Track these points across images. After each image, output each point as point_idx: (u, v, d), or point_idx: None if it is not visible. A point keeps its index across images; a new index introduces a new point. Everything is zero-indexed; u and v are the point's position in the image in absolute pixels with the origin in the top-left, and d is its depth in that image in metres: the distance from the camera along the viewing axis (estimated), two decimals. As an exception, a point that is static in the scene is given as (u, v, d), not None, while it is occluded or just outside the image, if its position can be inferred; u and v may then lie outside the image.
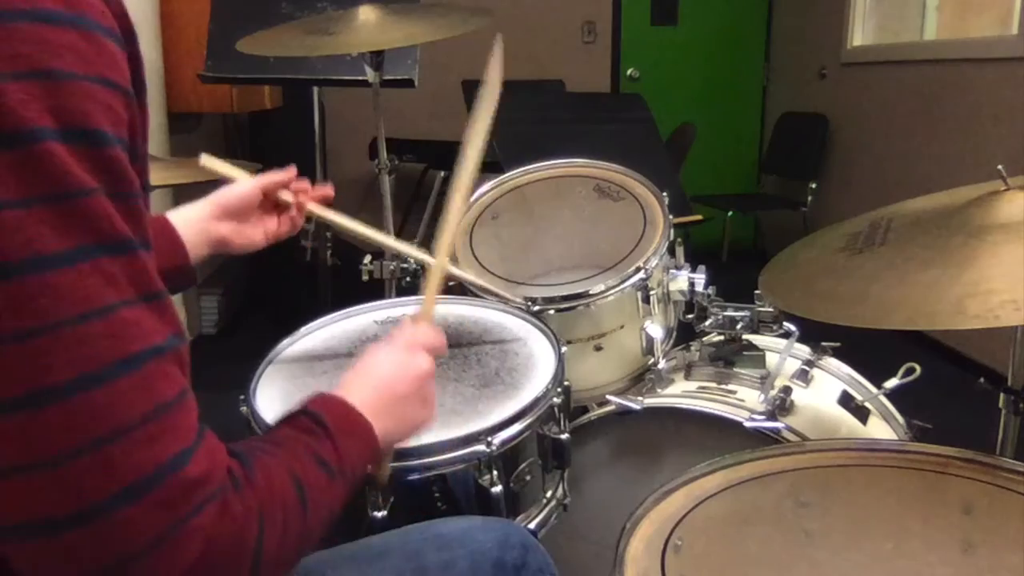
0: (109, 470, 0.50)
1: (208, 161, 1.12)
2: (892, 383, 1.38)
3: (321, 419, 0.69)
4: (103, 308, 0.51)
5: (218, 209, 1.07)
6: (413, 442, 0.94)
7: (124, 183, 0.53)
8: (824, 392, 1.44)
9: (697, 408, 1.29)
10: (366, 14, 1.70)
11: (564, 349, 1.13)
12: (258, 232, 1.10)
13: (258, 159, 2.39)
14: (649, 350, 1.42)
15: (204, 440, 0.55)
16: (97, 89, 0.52)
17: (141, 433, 0.51)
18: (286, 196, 1.11)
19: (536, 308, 1.31)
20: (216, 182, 1.11)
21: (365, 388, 0.76)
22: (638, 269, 1.37)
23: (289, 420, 0.69)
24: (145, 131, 0.59)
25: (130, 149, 0.55)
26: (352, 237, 1.21)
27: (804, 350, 1.53)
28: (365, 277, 1.86)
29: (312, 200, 1.14)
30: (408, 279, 1.87)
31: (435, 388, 0.85)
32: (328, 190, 1.17)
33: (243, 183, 1.09)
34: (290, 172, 1.13)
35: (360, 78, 1.89)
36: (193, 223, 1.04)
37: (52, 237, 0.49)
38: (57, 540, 0.49)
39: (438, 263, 0.98)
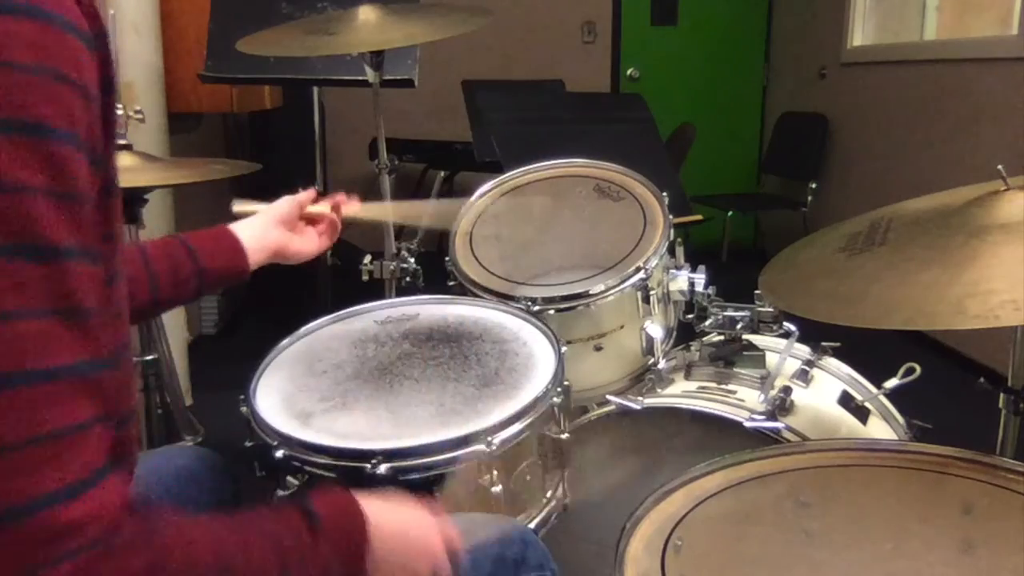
0: None
1: (240, 206, 1.23)
2: (892, 383, 1.37)
3: (315, 522, 0.62)
4: (1, 313, 0.46)
5: (271, 221, 1.16)
6: (413, 442, 0.94)
7: (68, 183, 0.49)
8: (824, 392, 1.44)
9: (697, 408, 1.29)
10: (366, 14, 1.70)
11: (564, 349, 1.13)
12: (308, 242, 1.20)
13: (258, 159, 2.38)
14: (649, 350, 1.42)
15: (98, 486, 0.49)
16: (49, 83, 0.49)
17: (16, 458, 0.46)
18: (320, 208, 1.21)
19: (536, 308, 1.31)
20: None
21: (385, 517, 0.70)
22: (638, 269, 1.37)
23: (277, 508, 0.64)
24: (112, 133, 0.56)
25: (89, 150, 0.52)
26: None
27: (804, 350, 1.53)
28: (365, 277, 1.86)
29: (347, 203, 1.25)
30: (408, 279, 1.88)
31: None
32: (356, 199, 1.28)
33: (282, 200, 1.19)
34: (312, 192, 1.22)
35: (360, 78, 1.89)
36: (253, 232, 1.14)
37: None
38: None
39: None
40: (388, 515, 0.71)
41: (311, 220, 1.21)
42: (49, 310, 0.48)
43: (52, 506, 0.47)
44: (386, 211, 1.25)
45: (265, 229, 1.15)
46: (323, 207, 1.22)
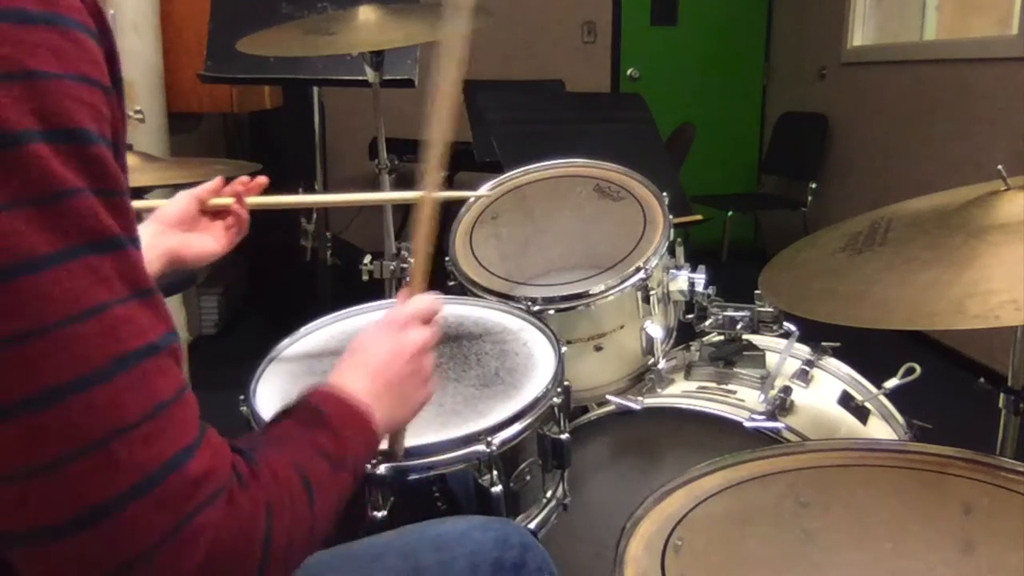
0: (111, 471, 0.49)
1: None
2: (892, 383, 1.38)
3: (320, 412, 0.69)
4: (96, 307, 0.50)
5: (160, 225, 1.08)
6: (413, 442, 0.94)
7: (109, 180, 0.53)
8: (824, 392, 1.44)
9: (697, 408, 1.29)
10: (366, 14, 1.70)
11: (564, 349, 1.13)
12: (208, 240, 1.11)
13: (258, 159, 2.38)
14: (649, 350, 1.42)
15: (206, 437, 0.55)
16: (78, 87, 0.51)
17: (141, 432, 0.50)
18: (222, 200, 1.12)
19: (536, 308, 1.31)
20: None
21: (360, 375, 0.76)
22: (638, 269, 1.37)
23: (289, 414, 0.69)
24: (124, 127, 0.59)
25: (113, 146, 0.55)
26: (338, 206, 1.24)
27: (804, 350, 1.53)
28: (365, 277, 1.86)
29: (249, 193, 1.15)
30: (408, 279, 1.88)
31: (433, 368, 0.84)
32: (262, 179, 1.17)
33: (177, 197, 1.10)
34: (217, 181, 1.13)
35: (360, 78, 1.89)
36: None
37: (40, 239, 0.48)
38: (62, 545, 0.49)
39: (422, 223, 0.93)
40: (360, 369, 0.76)
41: (216, 214, 1.12)
42: (131, 295, 0.52)
43: (182, 465, 0.52)
44: (297, 199, 1.18)
45: (154, 235, 1.06)
46: (226, 199, 1.12)
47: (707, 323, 1.50)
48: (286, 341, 1.22)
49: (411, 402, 0.81)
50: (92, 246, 0.50)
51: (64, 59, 0.51)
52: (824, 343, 1.54)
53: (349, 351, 0.80)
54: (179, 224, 1.09)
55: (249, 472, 0.57)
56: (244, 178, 1.13)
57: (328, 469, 0.65)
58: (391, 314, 0.84)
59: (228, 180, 1.13)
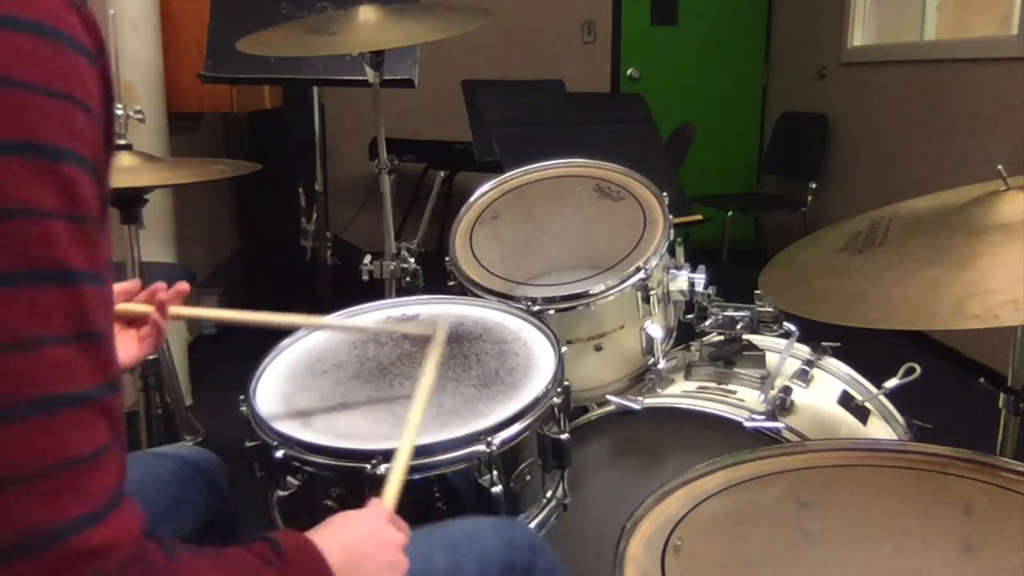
0: (1, 519, 0.45)
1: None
2: (892, 383, 1.38)
3: (279, 549, 0.63)
4: (26, 341, 0.46)
5: None
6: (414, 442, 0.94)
7: (81, 205, 0.49)
8: (824, 392, 1.44)
9: (697, 408, 1.29)
10: (366, 14, 1.70)
11: (564, 349, 1.13)
12: (122, 351, 0.95)
13: (258, 159, 2.38)
14: (649, 350, 1.42)
15: (118, 509, 0.50)
16: (59, 104, 0.48)
17: (42, 486, 0.46)
18: (139, 307, 0.98)
19: (536, 308, 1.31)
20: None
21: (334, 543, 0.70)
22: (638, 269, 1.37)
23: (246, 541, 0.64)
24: (111, 146, 0.55)
25: (92, 169, 0.51)
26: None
27: (804, 350, 1.53)
28: (365, 277, 1.87)
29: (171, 301, 1.00)
30: (408, 279, 1.88)
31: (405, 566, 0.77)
32: (183, 286, 1.03)
33: None
34: (134, 283, 1.00)
35: (360, 78, 1.89)
36: None
37: None
38: None
39: (404, 449, 0.88)
40: (334, 538, 0.71)
41: (129, 321, 0.98)
42: (71, 336, 0.48)
43: (79, 532, 0.47)
44: (219, 314, 1.04)
45: None
46: (143, 306, 0.97)
47: (707, 323, 1.50)
48: (286, 341, 1.22)
49: None
50: (37, 274, 0.46)
51: (48, 73, 0.48)
52: (824, 343, 1.54)
53: (330, 521, 0.76)
54: None
55: (160, 563, 0.52)
56: (162, 284, 0.99)
57: None
58: (374, 505, 0.79)
59: (144, 286, 1.00)
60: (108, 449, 0.50)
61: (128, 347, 0.97)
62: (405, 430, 0.88)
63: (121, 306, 0.96)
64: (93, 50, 0.52)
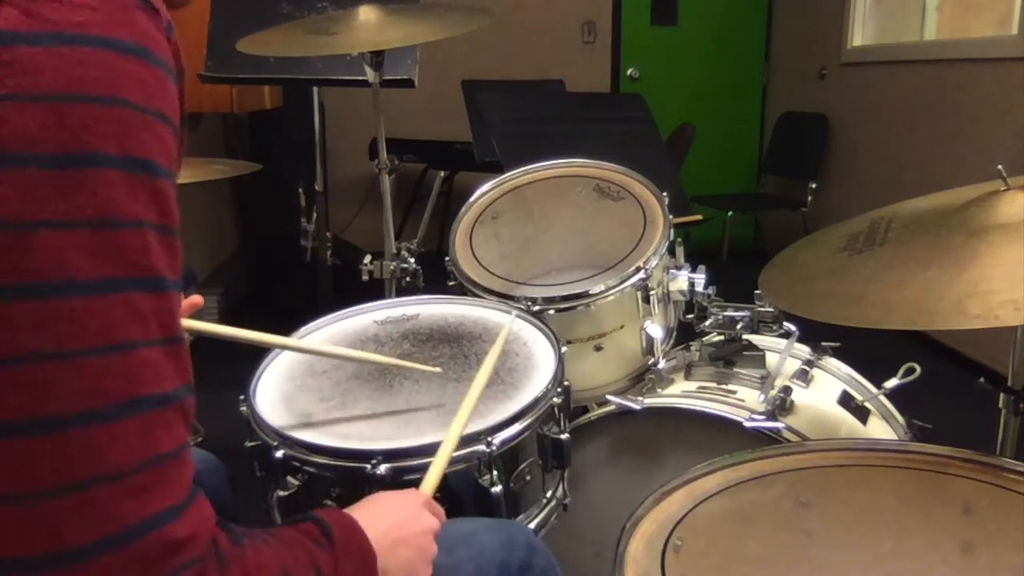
0: (92, 515, 0.48)
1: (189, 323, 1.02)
2: (892, 383, 1.38)
3: (329, 531, 0.66)
4: (125, 344, 0.49)
5: None
6: (413, 442, 0.94)
7: (169, 218, 0.53)
8: (824, 392, 1.44)
9: (697, 408, 1.29)
10: (366, 14, 1.70)
11: (564, 349, 1.13)
12: None
13: (258, 159, 2.39)
14: (649, 350, 1.42)
15: (195, 503, 0.53)
16: (156, 122, 0.52)
17: (133, 482, 0.49)
18: None
19: (536, 308, 1.31)
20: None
21: (375, 523, 0.72)
22: (638, 269, 1.37)
23: (296, 522, 0.67)
24: (181, 162, 0.59)
25: (175, 184, 0.55)
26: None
27: (804, 350, 1.53)
28: (365, 277, 1.87)
29: (183, 312, 1.02)
30: (408, 279, 1.88)
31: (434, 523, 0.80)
32: (196, 299, 1.07)
33: None
34: None
35: (360, 78, 1.89)
36: None
37: (87, 263, 0.47)
38: None
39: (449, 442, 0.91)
40: (377, 520, 0.73)
41: None
42: (161, 339, 0.51)
43: (163, 526, 0.50)
44: (238, 334, 1.04)
45: None
46: None
47: (707, 323, 1.50)
48: (286, 341, 1.22)
49: (408, 568, 0.75)
50: (137, 281, 0.50)
51: (148, 94, 0.51)
52: (824, 343, 1.54)
53: (368, 500, 0.78)
54: None
55: (231, 553, 0.55)
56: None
57: None
58: (412, 491, 0.82)
59: None
60: (186, 446, 0.53)
61: None
62: (454, 421, 0.91)
63: None
64: (175, 70, 0.56)
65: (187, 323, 0.99)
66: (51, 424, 0.47)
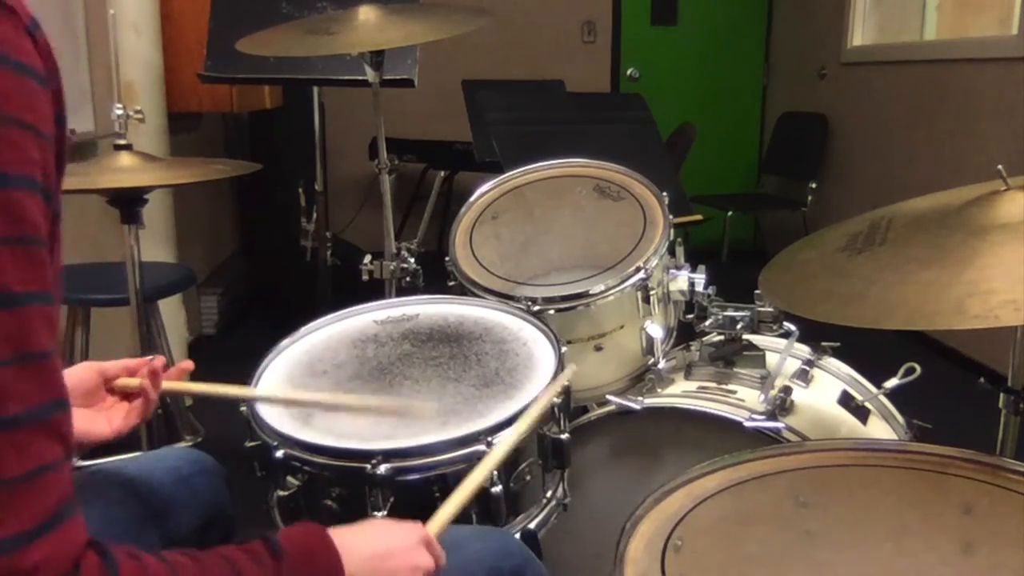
0: None
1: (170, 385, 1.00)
2: (892, 383, 1.38)
3: (276, 549, 0.63)
4: None
5: None
6: (413, 442, 0.94)
7: (23, 226, 0.50)
8: (824, 392, 1.44)
9: (697, 408, 1.29)
10: (366, 14, 1.70)
11: (564, 349, 1.13)
12: (109, 421, 0.93)
13: (258, 159, 2.38)
14: (649, 350, 1.42)
15: (57, 528, 0.50)
16: (8, 130, 0.49)
17: None
18: (131, 382, 0.95)
19: (536, 308, 1.31)
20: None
21: (362, 543, 0.70)
22: (638, 269, 1.37)
23: (243, 541, 0.64)
24: (62, 164, 0.56)
25: (43, 190, 0.52)
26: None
27: (804, 350, 1.53)
28: (365, 277, 1.87)
29: (168, 378, 0.98)
30: (408, 279, 1.88)
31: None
32: (187, 364, 1.04)
33: (77, 367, 0.94)
34: (138, 362, 0.97)
35: (360, 78, 1.89)
36: None
37: None
38: None
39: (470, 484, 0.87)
40: (364, 543, 0.71)
41: (123, 394, 0.96)
42: (11, 358, 0.48)
43: (10, 552, 0.48)
44: (215, 388, 1.03)
45: None
46: (135, 380, 0.95)
47: (707, 323, 1.50)
48: (286, 341, 1.22)
49: None
50: None
51: (3, 101, 0.49)
52: (824, 343, 1.54)
53: (365, 523, 0.76)
54: (80, 398, 0.91)
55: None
56: (162, 358, 0.96)
57: None
58: (415, 525, 0.78)
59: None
60: (50, 468, 0.50)
61: (113, 418, 0.94)
62: (480, 464, 0.88)
63: (120, 381, 0.95)
64: (45, 73, 0.53)
65: (167, 385, 0.97)
66: None
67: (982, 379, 1.20)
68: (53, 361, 0.51)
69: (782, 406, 1.30)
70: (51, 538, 0.50)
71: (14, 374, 0.49)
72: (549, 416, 1.06)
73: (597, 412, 1.36)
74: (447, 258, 1.48)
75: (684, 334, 1.55)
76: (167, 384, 0.97)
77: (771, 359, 1.47)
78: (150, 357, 0.96)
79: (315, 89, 2.56)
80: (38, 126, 0.52)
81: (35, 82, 0.52)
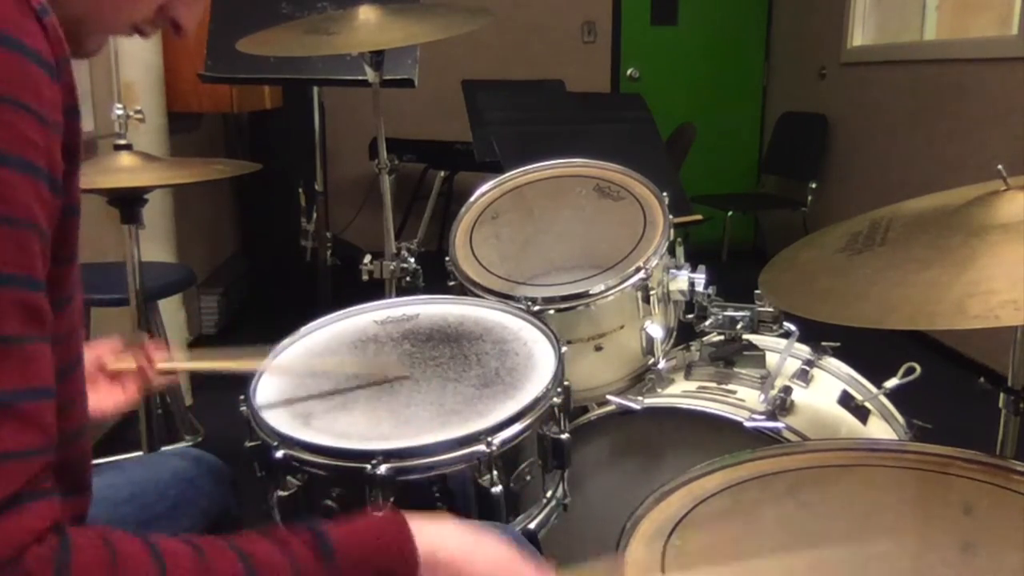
0: None
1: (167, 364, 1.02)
2: (892, 383, 1.38)
3: (326, 543, 0.61)
4: None
5: None
6: (413, 442, 0.94)
7: (10, 206, 0.49)
8: (824, 392, 1.44)
9: (697, 408, 1.29)
10: (366, 14, 1.70)
11: (564, 349, 1.13)
12: (106, 398, 0.96)
13: (258, 159, 2.38)
14: (649, 350, 1.42)
15: (6, 515, 0.49)
16: (6, 110, 0.49)
17: None
18: (124, 363, 0.98)
19: (536, 308, 1.31)
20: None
21: (452, 537, 0.68)
22: (638, 269, 1.37)
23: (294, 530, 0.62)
24: (76, 157, 0.56)
25: (47, 176, 0.52)
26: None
27: (804, 350, 1.53)
28: (365, 277, 1.87)
29: (161, 360, 1.02)
30: (408, 279, 1.88)
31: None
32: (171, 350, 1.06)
33: None
34: (110, 344, 1.00)
35: (360, 78, 1.89)
36: None
37: None
38: None
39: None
40: (455, 545, 0.68)
41: (114, 376, 0.99)
42: None
43: None
44: (212, 361, 1.05)
45: None
46: (128, 363, 0.98)
47: (707, 323, 1.50)
48: (286, 341, 1.22)
49: None
50: None
51: (1, 80, 0.48)
52: (824, 343, 1.54)
53: (483, 533, 0.72)
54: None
55: (51, 570, 0.50)
56: (152, 345, 0.99)
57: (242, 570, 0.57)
58: (531, 561, 0.75)
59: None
60: (15, 456, 0.49)
61: (110, 395, 0.95)
62: None
63: (113, 364, 0.96)
64: (52, 61, 0.52)
65: (163, 365, 0.99)
66: None
67: (982, 379, 1.20)
68: (25, 348, 0.50)
69: (782, 406, 1.30)
70: (6, 520, 0.48)
71: None
72: (549, 415, 1.06)
73: (597, 412, 1.36)
74: (447, 258, 1.48)
75: (684, 334, 1.55)
76: (164, 364, 0.99)
77: (771, 359, 1.47)
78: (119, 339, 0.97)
79: (315, 89, 2.56)
80: (39, 110, 0.51)
81: (38, 66, 0.51)
